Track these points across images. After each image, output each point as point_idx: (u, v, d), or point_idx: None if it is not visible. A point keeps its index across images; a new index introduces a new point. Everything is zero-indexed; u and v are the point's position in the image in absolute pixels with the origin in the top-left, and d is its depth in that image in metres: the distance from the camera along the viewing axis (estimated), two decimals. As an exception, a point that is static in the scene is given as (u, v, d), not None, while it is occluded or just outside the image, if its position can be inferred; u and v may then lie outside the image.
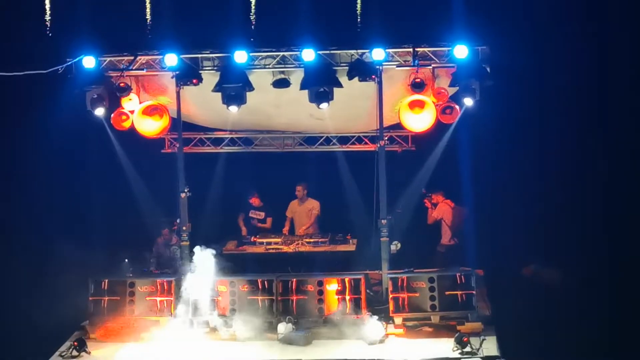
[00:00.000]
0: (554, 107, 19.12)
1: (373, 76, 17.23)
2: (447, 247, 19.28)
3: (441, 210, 19.31)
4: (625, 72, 18.68)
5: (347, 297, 16.86)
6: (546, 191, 19.26)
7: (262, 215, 20.08)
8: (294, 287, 16.99)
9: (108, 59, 17.76)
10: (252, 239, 19.41)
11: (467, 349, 15.44)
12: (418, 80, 17.33)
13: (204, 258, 16.87)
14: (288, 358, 15.77)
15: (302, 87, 17.32)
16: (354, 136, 19.46)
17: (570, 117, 19.14)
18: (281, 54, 17.49)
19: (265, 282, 17.10)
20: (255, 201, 20.11)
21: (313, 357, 15.73)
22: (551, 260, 18.66)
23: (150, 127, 18.51)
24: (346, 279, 16.94)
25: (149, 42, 18.26)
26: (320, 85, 17.19)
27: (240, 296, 17.06)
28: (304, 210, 20.04)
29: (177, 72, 17.57)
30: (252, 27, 19.24)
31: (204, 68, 17.72)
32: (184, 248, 17.90)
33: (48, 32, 19.62)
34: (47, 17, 19.62)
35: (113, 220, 19.54)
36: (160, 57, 17.56)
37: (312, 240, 19.19)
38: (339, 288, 16.90)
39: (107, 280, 17.32)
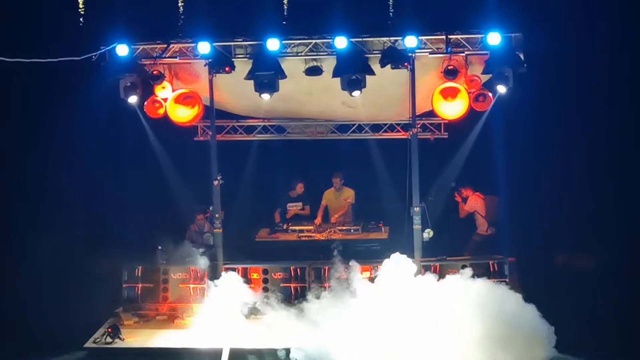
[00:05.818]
0: (588, 95, 18.97)
1: (406, 63, 17.22)
2: (483, 237, 19.17)
3: (472, 203, 19.20)
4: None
5: (380, 285, 16.92)
6: (579, 178, 19.14)
7: (299, 205, 19.87)
8: (326, 275, 17.02)
9: (141, 46, 17.81)
10: (285, 226, 19.45)
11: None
12: (451, 67, 17.30)
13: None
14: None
15: (335, 75, 17.31)
16: (386, 124, 19.44)
17: (604, 104, 18.98)
18: (314, 41, 17.47)
19: (298, 269, 17.17)
20: (300, 188, 19.85)
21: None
22: (584, 248, 18.57)
23: (183, 114, 18.56)
24: (378, 267, 16.97)
25: (181, 30, 18.29)
26: (353, 72, 17.17)
27: (273, 283, 17.11)
28: (340, 199, 19.92)
29: (210, 60, 17.60)
30: (285, 14, 19.24)
31: (237, 56, 17.73)
32: (217, 235, 17.99)
33: (81, 20, 19.69)
34: (81, 5, 19.70)
35: (146, 207, 19.60)
36: (193, 45, 17.59)
37: (344, 228, 19.17)
38: (371, 276, 16.94)
39: (140, 267, 17.52)
